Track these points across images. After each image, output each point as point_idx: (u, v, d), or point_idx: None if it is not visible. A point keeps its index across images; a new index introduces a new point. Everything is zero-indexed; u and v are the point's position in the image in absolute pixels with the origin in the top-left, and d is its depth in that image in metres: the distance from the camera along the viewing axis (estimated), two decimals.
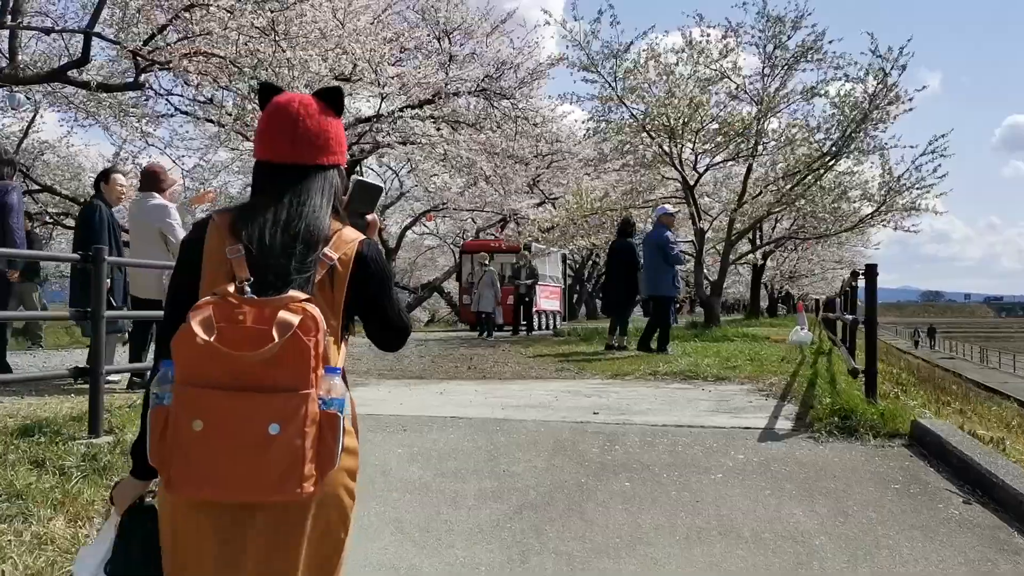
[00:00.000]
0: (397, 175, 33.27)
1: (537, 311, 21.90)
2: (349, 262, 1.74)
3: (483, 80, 21.53)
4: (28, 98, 17.59)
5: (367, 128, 19.84)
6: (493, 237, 30.07)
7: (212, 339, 1.50)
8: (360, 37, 17.99)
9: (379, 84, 18.56)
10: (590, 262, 39.96)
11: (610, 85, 17.08)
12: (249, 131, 15.89)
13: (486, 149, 22.12)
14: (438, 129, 20.58)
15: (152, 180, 6.69)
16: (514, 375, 8.67)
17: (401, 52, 22.76)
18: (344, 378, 1.70)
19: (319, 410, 1.55)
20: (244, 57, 13.67)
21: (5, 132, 19.68)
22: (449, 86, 21.31)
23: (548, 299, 24.44)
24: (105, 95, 16.70)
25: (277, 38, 13.65)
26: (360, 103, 21.71)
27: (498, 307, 17.63)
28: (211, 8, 12.56)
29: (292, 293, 1.61)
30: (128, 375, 6.70)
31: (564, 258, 28.67)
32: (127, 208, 7.59)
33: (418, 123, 19.64)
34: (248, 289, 1.62)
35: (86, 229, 6.89)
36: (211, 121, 16.69)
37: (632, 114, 17.31)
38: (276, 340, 1.50)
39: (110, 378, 6.88)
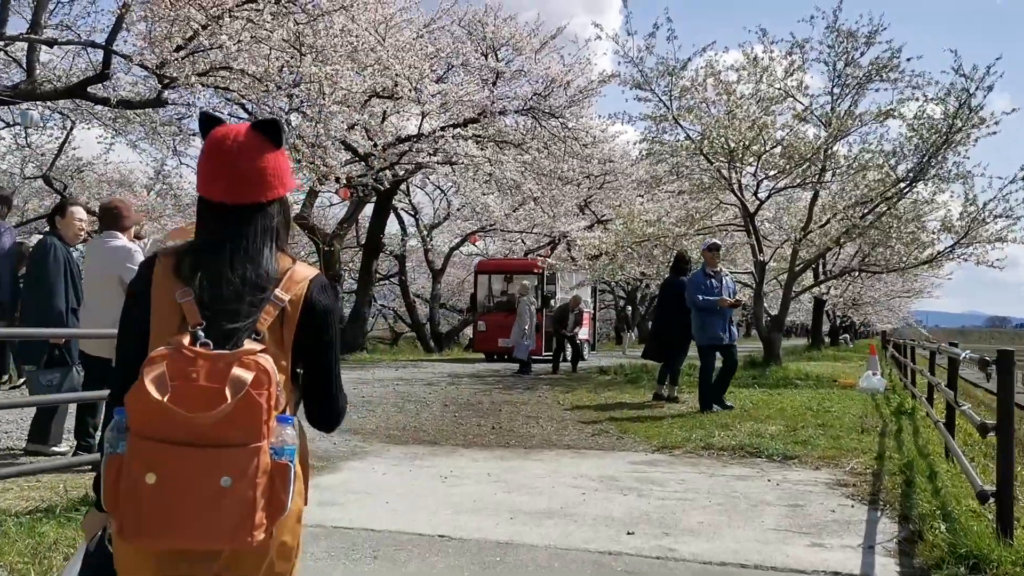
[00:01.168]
0: (445, 194, 32.33)
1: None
2: (299, 303, 1.75)
3: (531, 98, 20.45)
4: (61, 114, 17.13)
5: (407, 148, 18.86)
6: (536, 256, 28.81)
7: (166, 399, 1.52)
8: (400, 53, 17.07)
9: (419, 102, 17.58)
10: (639, 293, 38.59)
11: (665, 104, 15.83)
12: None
13: (532, 170, 21.00)
14: (482, 149, 19.54)
15: (112, 217, 5.63)
16: (542, 441, 7.45)
17: (448, 69, 21.84)
18: (300, 425, 1.75)
19: (270, 461, 1.57)
20: (276, 74, 12.83)
21: (41, 149, 19.24)
22: (495, 104, 20.28)
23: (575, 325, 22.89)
24: (134, 112, 16.10)
25: (304, 51, 12.73)
26: (404, 121, 20.83)
27: (530, 341, 16.20)
28: (232, 21, 11.68)
29: (246, 346, 1.63)
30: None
31: (595, 289, 26.90)
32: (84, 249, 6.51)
33: (461, 143, 18.61)
34: (202, 335, 1.64)
35: (38, 270, 5.92)
36: None
37: (688, 135, 16.03)
38: (229, 400, 1.52)
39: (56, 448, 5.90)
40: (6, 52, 13.98)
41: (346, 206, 25.45)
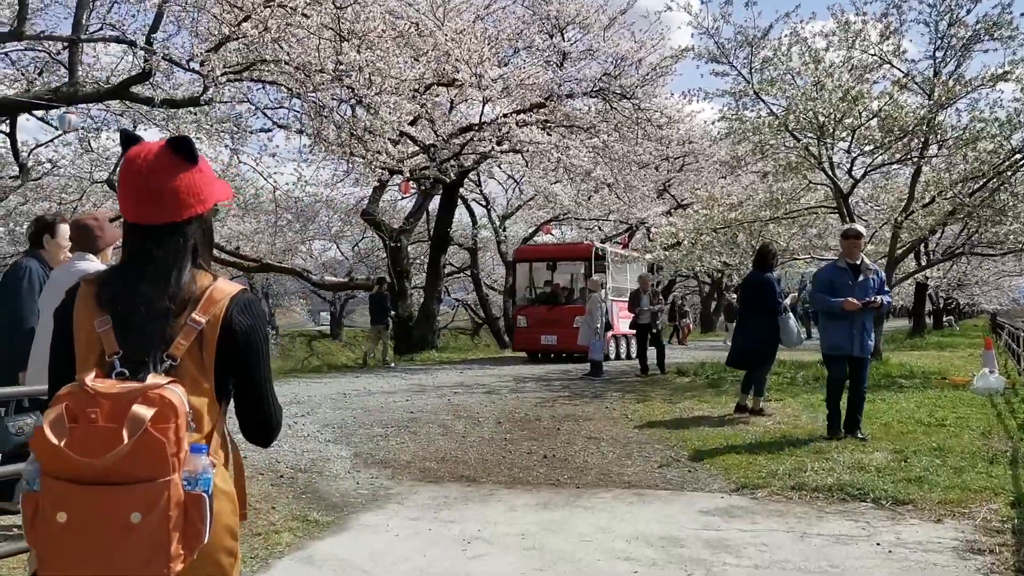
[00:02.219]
0: (518, 183, 31.31)
1: (615, 334, 18.12)
2: (217, 323, 1.73)
3: (600, 79, 19.20)
4: (117, 116, 16.79)
5: (469, 137, 17.89)
6: (613, 244, 27.32)
7: (62, 443, 1.52)
8: (460, 36, 16.08)
9: (480, 87, 16.57)
10: (723, 283, 36.80)
11: (744, 77, 14.41)
12: (333, 146, 14.30)
13: (604, 155, 19.76)
14: (549, 135, 18.41)
15: (83, 236, 4.72)
16: (599, 476, 6.34)
17: (513, 53, 20.75)
18: (227, 441, 1.80)
19: (183, 492, 1.56)
20: (321, 65, 12.00)
21: (106, 154, 19.01)
22: (562, 87, 19.11)
23: (628, 319, 18.71)
24: (188, 111, 15.58)
25: (346, 37, 11.86)
26: (468, 109, 19.87)
27: (600, 340, 14.70)
28: (266, 9, 10.88)
29: (151, 380, 1.61)
30: None
31: (652, 266, 22.95)
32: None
33: (526, 129, 17.52)
34: (117, 364, 1.66)
35: (8, 298, 5.11)
36: (301, 132, 15.07)
37: (771, 111, 14.57)
38: (126, 440, 1.51)
39: None
40: (49, 54, 13.60)
41: (413, 201, 24.73)
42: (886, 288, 7.93)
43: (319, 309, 60.18)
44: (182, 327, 1.69)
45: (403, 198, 27.57)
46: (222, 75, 11.41)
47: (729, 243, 17.31)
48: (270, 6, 10.90)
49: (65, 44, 12.04)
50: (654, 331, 14.70)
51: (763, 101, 14.59)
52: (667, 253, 17.82)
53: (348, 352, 55.51)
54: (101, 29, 13.61)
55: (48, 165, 18.98)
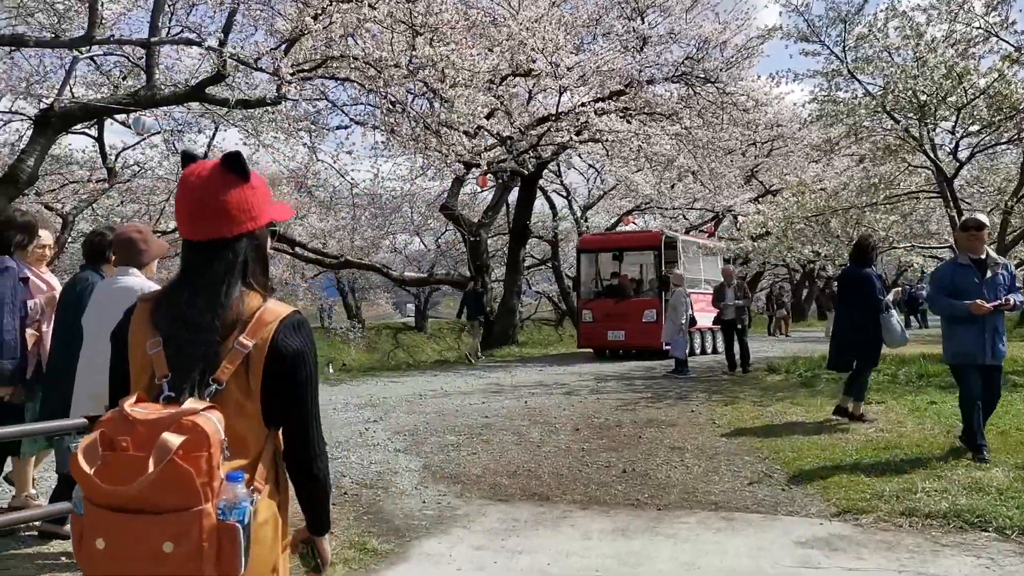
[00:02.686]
0: (599, 172, 30.70)
1: (692, 329, 16.12)
2: (264, 347, 1.69)
3: (682, 63, 18.47)
4: (202, 116, 16.97)
5: (546, 128, 17.44)
6: (698, 233, 26.39)
7: (92, 472, 1.52)
8: (534, 25, 15.64)
9: (556, 76, 16.11)
10: (815, 272, 35.36)
11: (837, 56, 13.56)
12: (409, 141, 14.07)
13: (687, 142, 19.05)
14: (628, 122, 17.82)
15: (126, 250, 4.49)
16: (682, 495, 5.84)
17: (592, 39, 20.18)
18: (278, 467, 1.75)
19: (216, 522, 1.53)
20: (395, 60, 11.76)
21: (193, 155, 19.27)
22: (642, 73, 18.46)
23: (705, 312, 16.85)
24: (267, 111, 15.59)
25: (419, 30, 11.56)
26: (546, 99, 19.40)
27: (684, 337, 14.02)
28: (335, 5, 10.67)
29: (188, 405, 1.58)
30: None
31: (731, 259, 21.40)
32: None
33: (604, 118, 16.98)
34: (166, 387, 1.64)
35: (75, 314, 4.88)
36: (376, 128, 14.90)
37: (867, 91, 13.67)
38: (151, 469, 1.49)
39: None
40: (129, 58, 13.72)
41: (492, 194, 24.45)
42: (1018, 285, 7.01)
43: (404, 301, 60.67)
44: (229, 350, 1.66)
45: (481, 191, 27.34)
46: (293, 74, 11.26)
47: (822, 231, 16.44)
48: (342, 0, 10.68)
49: (142, 48, 12.08)
50: (739, 327, 13.89)
51: (858, 81, 13.73)
52: (755, 243, 17.02)
53: (433, 344, 55.99)
54: (182, 32, 13.69)
55: (136, 168, 19.41)
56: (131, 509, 1.50)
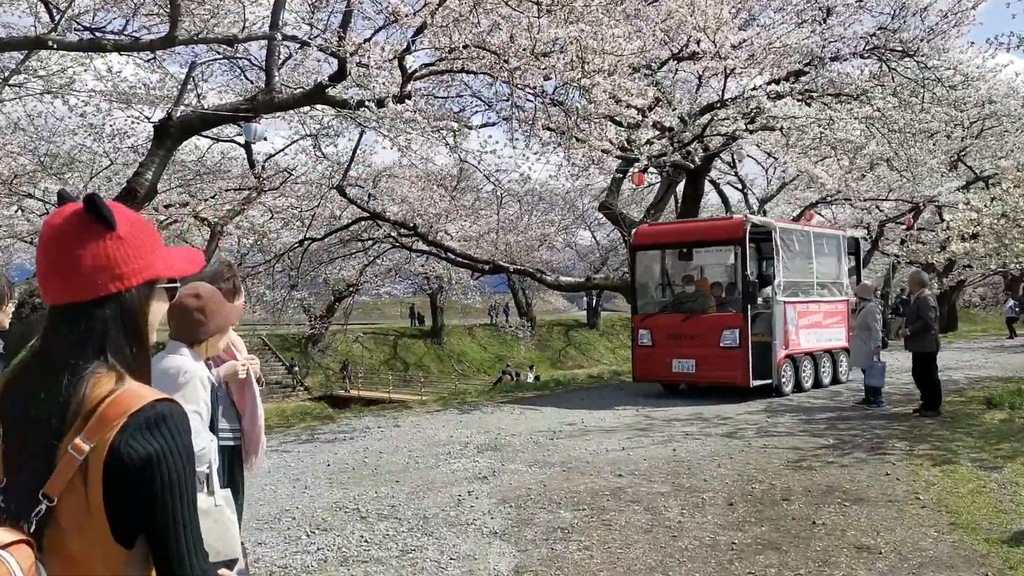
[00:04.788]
0: (777, 161, 27.96)
1: (788, 355, 12.87)
2: (103, 452, 1.27)
3: (873, 35, 15.84)
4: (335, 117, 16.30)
5: (710, 117, 15.43)
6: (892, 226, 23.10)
7: None
8: (695, 1, 13.72)
9: (720, 58, 14.08)
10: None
11: None
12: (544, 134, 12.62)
13: (880, 125, 16.41)
14: (808, 105, 15.48)
15: (179, 321, 3.23)
16: None
17: (762, 11, 17.85)
18: None
19: None
20: (529, 47, 10.34)
21: (340, 160, 18.75)
22: (825, 49, 16.01)
23: (817, 328, 13.69)
24: (399, 110, 14.63)
25: (549, 9, 10.04)
26: (712, 83, 17.34)
27: (879, 362, 11.56)
28: None
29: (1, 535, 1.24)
30: None
31: (856, 243, 16.23)
32: None
33: (778, 102, 14.78)
34: (1, 500, 1.31)
35: None
36: (508, 121, 13.57)
37: None
38: None
39: None
40: (251, 61, 13.09)
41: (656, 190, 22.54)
42: None
43: (578, 295, 59.55)
44: (63, 455, 1.28)
45: (636, 189, 25.44)
46: (415, 71, 10.10)
47: None
48: None
49: (228, 45, 11.42)
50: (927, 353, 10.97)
51: None
52: (967, 245, 14.25)
53: (605, 341, 54.44)
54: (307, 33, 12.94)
55: (285, 173, 19.11)
56: None
